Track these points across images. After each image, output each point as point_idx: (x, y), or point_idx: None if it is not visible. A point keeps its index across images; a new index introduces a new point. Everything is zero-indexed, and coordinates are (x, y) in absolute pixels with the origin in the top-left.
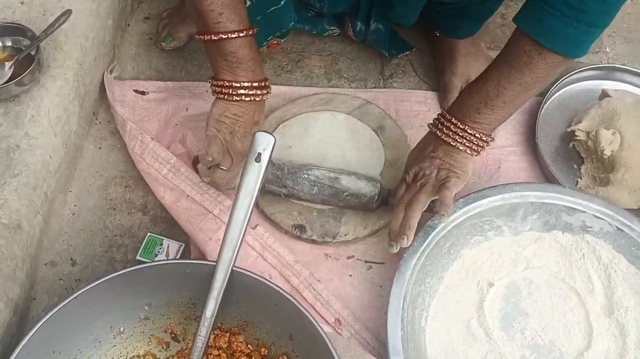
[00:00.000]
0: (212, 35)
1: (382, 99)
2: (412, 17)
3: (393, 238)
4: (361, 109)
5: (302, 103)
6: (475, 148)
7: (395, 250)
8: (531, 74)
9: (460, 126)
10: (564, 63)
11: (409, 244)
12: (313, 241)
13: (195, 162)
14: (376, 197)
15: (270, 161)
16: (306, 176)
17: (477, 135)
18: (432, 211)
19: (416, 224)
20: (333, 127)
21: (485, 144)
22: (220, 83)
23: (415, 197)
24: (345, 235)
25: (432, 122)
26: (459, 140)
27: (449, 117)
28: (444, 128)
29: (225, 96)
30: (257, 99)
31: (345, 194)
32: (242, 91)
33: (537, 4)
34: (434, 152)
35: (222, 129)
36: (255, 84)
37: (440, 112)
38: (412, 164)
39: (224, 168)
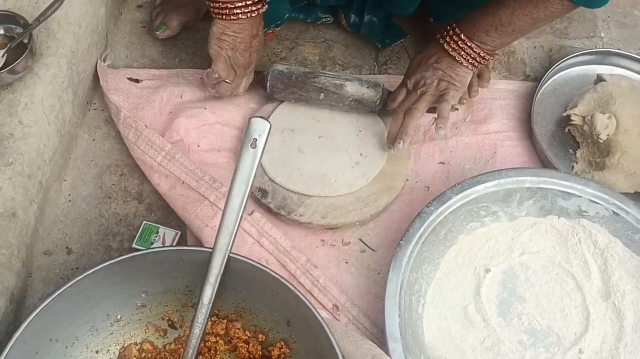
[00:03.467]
0: None
1: None
2: (412, 7)
3: (390, 141)
4: None
5: None
6: (477, 64)
7: (392, 151)
8: (546, 10)
9: (468, 43)
10: (578, 8)
11: (404, 148)
12: (269, 209)
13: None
14: (378, 101)
15: (279, 69)
16: (313, 82)
17: (481, 54)
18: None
19: (413, 131)
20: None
21: (486, 62)
22: (217, 5)
23: (415, 105)
24: (300, 216)
25: (440, 33)
26: (463, 56)
27: (458, 32)
28: (452, 42)
29: (224, 16)
30: (254, 14)
31: (350, 99)
32: (237, 10)
33: None
34: (437, 63)
35: (224, 46)
36: (249, 2)
37: (450, 24)
38: (415, 71)
39: (228, 81)
